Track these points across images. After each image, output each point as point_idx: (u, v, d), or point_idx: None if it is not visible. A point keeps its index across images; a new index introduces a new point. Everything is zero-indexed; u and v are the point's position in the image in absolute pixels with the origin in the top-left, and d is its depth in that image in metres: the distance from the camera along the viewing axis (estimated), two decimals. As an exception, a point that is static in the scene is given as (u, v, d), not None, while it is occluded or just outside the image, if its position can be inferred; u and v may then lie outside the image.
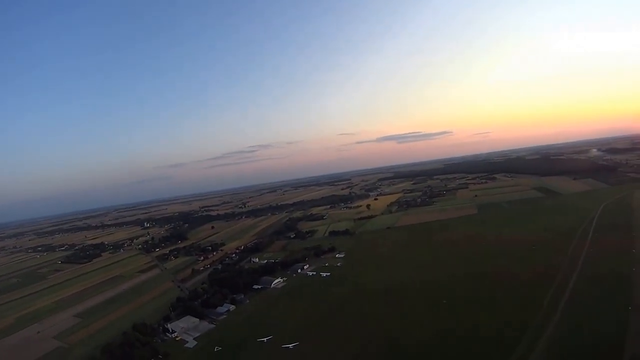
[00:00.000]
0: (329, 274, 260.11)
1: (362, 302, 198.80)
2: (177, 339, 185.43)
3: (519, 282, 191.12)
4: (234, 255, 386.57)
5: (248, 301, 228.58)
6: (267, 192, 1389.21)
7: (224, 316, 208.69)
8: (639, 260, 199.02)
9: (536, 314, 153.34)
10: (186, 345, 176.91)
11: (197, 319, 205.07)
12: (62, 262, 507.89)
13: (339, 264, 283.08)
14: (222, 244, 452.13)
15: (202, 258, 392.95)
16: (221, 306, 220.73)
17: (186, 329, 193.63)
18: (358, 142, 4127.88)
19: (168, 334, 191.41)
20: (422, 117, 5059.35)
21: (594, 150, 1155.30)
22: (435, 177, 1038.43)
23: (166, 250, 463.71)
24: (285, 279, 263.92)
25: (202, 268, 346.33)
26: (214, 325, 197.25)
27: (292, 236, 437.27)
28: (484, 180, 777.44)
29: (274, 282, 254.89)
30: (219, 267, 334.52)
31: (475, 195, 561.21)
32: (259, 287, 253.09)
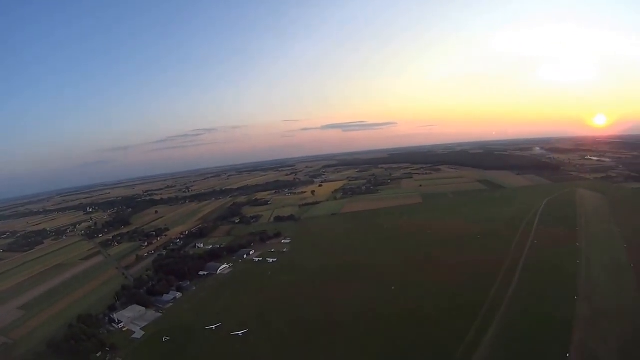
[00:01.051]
0: (275, 259, 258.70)
1: (310, 287, 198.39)
2: (123, 329, 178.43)
3: (466, 270, 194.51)
4: (178, 240, 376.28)
5: (194, 288, 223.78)
6: (211, 177, 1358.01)
7: (171, 304, 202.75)
8: (582, 252, 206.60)
9: (485, 298, 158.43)
10: (133, 335, 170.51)
11: (144, 308, 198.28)
12: (3, 250, 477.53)
13: (285, 250, 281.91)
14: (167, 229, 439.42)
15: (146, 244, 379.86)
16: (167, 294, 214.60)
17: (133, 319, 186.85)
18: (303, 129, 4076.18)
19: (114, 325, 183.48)
20: (367, 108, 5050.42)
21: (537, 148, 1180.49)
22: (379, 166, 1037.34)
23: (109, 236, 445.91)
24: (231, 264, 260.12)
25: (146, 254, 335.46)
26: (161, 314, 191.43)
27: (236, 221, 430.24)
28: (428, 171, 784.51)
29: (220, 268, 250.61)
30: (164, 253, 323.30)
31: (420, 185, 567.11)
32: (205, 273, 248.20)
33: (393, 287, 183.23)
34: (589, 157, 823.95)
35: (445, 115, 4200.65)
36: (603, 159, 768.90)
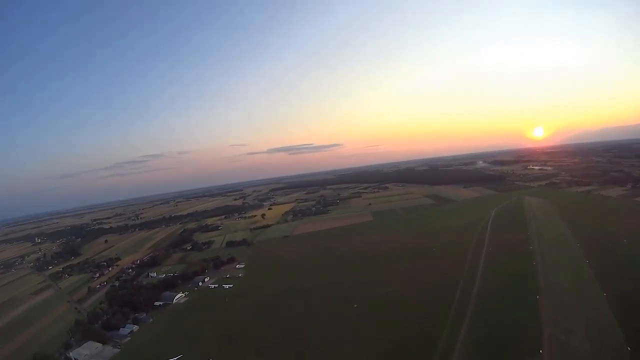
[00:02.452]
0: (231, 285, 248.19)
1: (270, 311, 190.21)
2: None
3: (427, 283, 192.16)
4: (130, 270, 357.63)
5: (151, 320, 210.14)
6: (160, 204, 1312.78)
7: (128, 338, 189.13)
8: (537, 254, 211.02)
9: (447, 312, 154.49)
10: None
11: (100, 344, 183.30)
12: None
13: (240, 275, 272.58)
14: (118, 259, 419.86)
15: (97, 275, 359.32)
16: (124, 327, 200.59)
17: (90, 357, 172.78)
18: (249, 153, 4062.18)
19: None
20: (313, 130, 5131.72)
21: (480, 162, 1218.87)
22: (327, 187, 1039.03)
23: (59, 268, 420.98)
24: (187, 293, 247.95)
25: (98, 286, 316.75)
26: (119, 349, 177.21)
27: (188, 248, 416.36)
28: (376, 190, 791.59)
29: (176, 298, 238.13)
30: (116, 284, 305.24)
31: (369, 204, 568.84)
32: (161, 303, 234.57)
33: (355, 305, 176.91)
34: (531, 167, 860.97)
35: (390, 134, 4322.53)
36: (545, 167, 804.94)
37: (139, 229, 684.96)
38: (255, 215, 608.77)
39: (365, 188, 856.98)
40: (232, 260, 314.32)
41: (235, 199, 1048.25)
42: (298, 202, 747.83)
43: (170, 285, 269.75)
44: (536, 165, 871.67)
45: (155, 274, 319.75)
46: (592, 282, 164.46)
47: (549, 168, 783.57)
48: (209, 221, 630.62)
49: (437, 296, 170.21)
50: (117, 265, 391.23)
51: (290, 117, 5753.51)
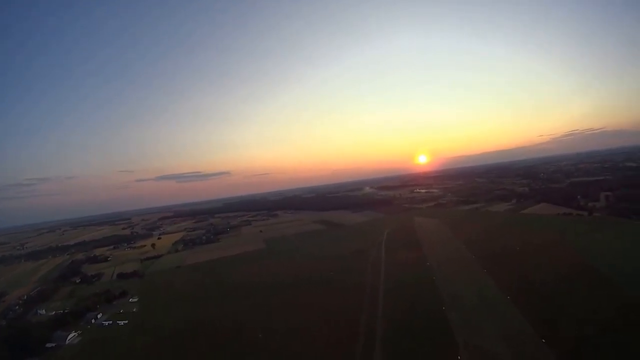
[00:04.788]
0: (126, 321, 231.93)
1: (170, 348, 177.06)
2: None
3: (330, 304, 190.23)
4: (17, 307, 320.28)
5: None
6: (47, 232, 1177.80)
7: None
8: (434, 270, 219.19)
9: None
10: None
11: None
12: None
13: (134, 310, 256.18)
14: (4, 293, 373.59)
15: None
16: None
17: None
18: (137, 180, 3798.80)
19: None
20: (202, 158, 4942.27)
21: (367, 188, 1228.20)
22: (216, 215, 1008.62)
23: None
24: (80, 332, 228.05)
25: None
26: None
27: (78, 281, 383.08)
28: (266, 217, 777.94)
29: (68, 337, 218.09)
30: (4, 322, 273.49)
31: (260, 231, 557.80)
32: (53, 345, 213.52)
33: (260, 335, 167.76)
34: (417, 190, 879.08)
35: (277, 164, 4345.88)
36: (431, 190, 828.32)
37: (24, 260, 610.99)
38: (145, 245, 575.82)
39: (255, 216, 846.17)
40: (124, 294, 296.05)
41: (124, 228, 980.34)
42: (188, 231, 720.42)
43: (62, 323, 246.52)
44: (422, 189, 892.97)
45: (44, 310, 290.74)
46: (493, 287, 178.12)
47: (435, 190, 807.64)
48: (98, 251, 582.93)
49: (341, 321, 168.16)
50: (3, 302, 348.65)
51: (178, 144, 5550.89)
